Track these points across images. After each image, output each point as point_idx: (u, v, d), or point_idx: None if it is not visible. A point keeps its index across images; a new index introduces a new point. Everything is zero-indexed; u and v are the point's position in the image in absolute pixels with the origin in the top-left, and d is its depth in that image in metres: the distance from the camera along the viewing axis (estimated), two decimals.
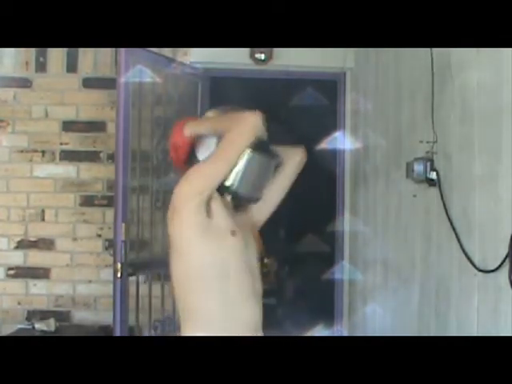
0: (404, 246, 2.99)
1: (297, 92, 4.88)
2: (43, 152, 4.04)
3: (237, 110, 2.16)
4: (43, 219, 4.03)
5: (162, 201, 3.73)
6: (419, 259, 2.77)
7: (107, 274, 3.78)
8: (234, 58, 3.97)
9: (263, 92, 4.72)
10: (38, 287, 4.02)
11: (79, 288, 4.03)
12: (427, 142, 2.58)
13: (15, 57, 4.04)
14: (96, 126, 4.05)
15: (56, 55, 4.05)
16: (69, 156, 4.05)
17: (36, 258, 4.02)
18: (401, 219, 3.06)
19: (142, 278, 3.53)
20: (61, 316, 3.97)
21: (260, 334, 2.04)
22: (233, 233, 2.00)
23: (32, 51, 4.04)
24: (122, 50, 3.29)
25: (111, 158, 3.91)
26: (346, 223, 4.15)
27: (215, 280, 1.95)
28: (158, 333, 3.57)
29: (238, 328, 1.95)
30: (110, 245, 3.83)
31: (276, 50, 4.07)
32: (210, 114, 2.25)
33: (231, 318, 1.95)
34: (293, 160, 2.26)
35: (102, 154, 4.06)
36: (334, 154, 4.20)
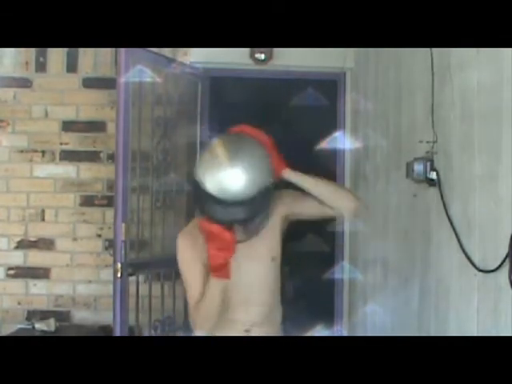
0: (404, 245, 2.99)
1: (297, 92, 4.88)
2: (43, 152, 4.04)
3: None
4: (43, 219, 4.04)
5: (162, 201, 3.73)
6: (419, 259, 2.77)
7: (107, 274, 3.78)
8: (233, 58, 3.97)
9: (263, 92, 4.72)
10: (38, 287, 4.02)
11: (79, 288, 4.03)
12: (427, 142, 2.58)
13: (15, 57, 4.04)
14: (96, 126, 4.06)
15: (56, 55, 4.05)
16: (69, 156, 4.05)
17: (36, 258, 4.02)
18: (401, 219, 3.06)
19: (141, 277, 3.53)
20: (61, 316, 3.97)
21: (250, 330, 2.25)
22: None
23: (32, 51, 4.04)
24: (122, 50, 3.29)
25: (111, 158, 3.91)
26: (346, 223, 4.15)
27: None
28: (158, 333, 3.57)
29: (224, 323, 2.21)
30: (110, 245, 3.83)
31: (276, 50, 4.08)
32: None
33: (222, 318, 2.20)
34: (343, 208, 2.28)
35: (102, 154, 4.06)
36: (334, 154, 4.19)
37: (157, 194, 3.70)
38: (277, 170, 2.18)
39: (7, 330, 3.85)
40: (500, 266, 1.96)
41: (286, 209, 2.32)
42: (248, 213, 2.03)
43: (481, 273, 2.12)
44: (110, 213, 3.82)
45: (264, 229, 2.21)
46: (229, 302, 2.22)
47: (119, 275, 3.25)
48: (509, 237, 1.88)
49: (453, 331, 2.37)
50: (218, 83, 4.21)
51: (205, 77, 4.09)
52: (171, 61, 3.79)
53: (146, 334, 3.56)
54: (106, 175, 3.99)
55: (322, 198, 2.25)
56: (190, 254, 2.19)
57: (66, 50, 4.05)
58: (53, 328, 3.78)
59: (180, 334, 3.65)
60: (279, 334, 2.37)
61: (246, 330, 2.25)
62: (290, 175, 2.23)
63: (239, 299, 2.25)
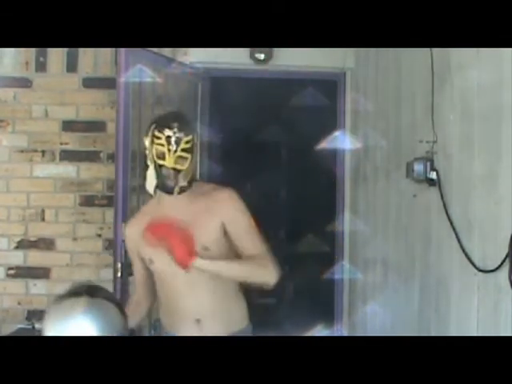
0: (404, 245, 2.99)
1: (297, 92, 4.88)
2: (43, 152, 4.04)
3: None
4: (43, 219, 4.03)
5: None
6: (419, 259, 2.77)
7: (107, 273, 3.78)
8: (233, 58, 3.97)
9: (263, 92, 4.73)
10: (37, 287, 4.02)
11: None
12: (427, 142, 2.59)
13: (15, 57, 4.04)
14: (96, 126, 4.05)
15: (56, 55, 4.05)
16: (69, 156, 4.05)
17: (36, 258, 4.02)
18: (401, 219, 3.06)
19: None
20: None
21: (200, 321, 2.34)
22: (150, 261, 2.37)
23: (32, 51, 4.04)
24: (122, 50, 3.29)
25: (111, 157, 3.91)
26: (346, 223, 4.15)
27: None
28: (158, 333, 3.57)
29: (175, 310, 2.39)
30: (110, 245, 3.83)
31: (276, 50, 4.07)
32: None
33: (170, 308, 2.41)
34: (262, 283, 2.32)
35: (102, 154, 4.06)
36: (334, 154, 4.20)
37: None
38: (183, 262, 2.20)
39: (7, 329, 3.85)
40: (500, 265, 1.96)
41: (225, 220, 2.32)
42: None
43: (481, 273, 2.12)
44: (110, 213, 3.82)
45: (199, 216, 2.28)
46: (176, 288, 2.32)
47: (119, 275, 3.25)
48: (509, 237, 1.88)
49: (453, 331, 2.37)
50: (218, 83, 4.22)
51: (205, 77, 4.09)
52: (171, 61, 3.79)
53: (145, 334, 3.56)
54: (106, 175, 3.99)
55: (240, 280, 2.33)
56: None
57: (66, 50, 4.05)
58: None
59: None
60: (235, 331, 2.37)
61: (197, 320, 2.32)
62: (201, 265, 2.23)
63: (186, 287, 2.31)
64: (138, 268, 2.48)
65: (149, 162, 2.30)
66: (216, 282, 2.33)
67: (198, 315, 2.34)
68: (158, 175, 2.26)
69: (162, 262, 2.29)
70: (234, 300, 2.41)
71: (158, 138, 2.24)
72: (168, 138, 2.23)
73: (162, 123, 2.27)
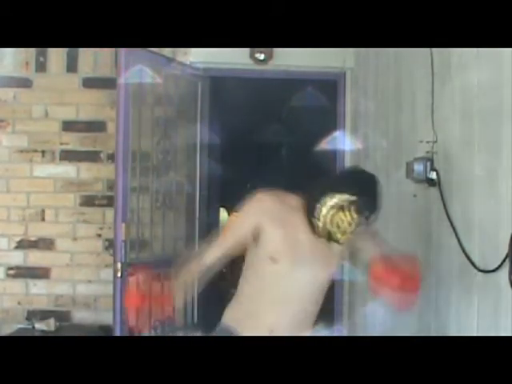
0: (404, 246, 2.99)
1: (297, 92, 4.88)
2: (43, 152, 4.04)
3: None
4: (43, 219, 4.03)
5: (162, 201, 3.73)
6: (419, 259, 2.77)
7: (107, 274, 3.78)
8: (233, 58, 3.97)
9: (263, 92, 4.73)
10: (38, 287, 4.02)
11: (79, 288, 4.03)
12: (427, 142, 2.58)
13: (15, 57, 4.04)
14: (96, 126, 4.06)
15: (56, 55, 4.05)
16: (69, 156, 4.05)
17: (36, 258, 4.02)
18: (401, 219, 3.06)
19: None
20: (61, 316, 3.97)
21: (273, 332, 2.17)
22: (273, 259, 2.15)
23: (32, 51, 4.04)
24: (122, 50, 3.29)
25: (111, 157, 3.91)
26: None
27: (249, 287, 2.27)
28: (158, 333, 3.57)
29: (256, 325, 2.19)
30: (110, 245, 3.83)
31: (276, 50, 4.07)
32: None
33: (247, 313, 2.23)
34: None
35: (102, 154, 4.06)
36: (334, 154, 4.20)
37: (157, 193, 3.70)
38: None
39: (7, 330, 3.85)
40: (500, 265, 1.96)
41: None
42: None
43: (481, 273, 2.12)
44: (110, 213, 3.82)
45: None
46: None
47: (119, 275, 3.25)
48: (509, 237, 1.88)
49: (453, 331, 2.37)
50: (218, 83, 4.22)
51: (205, 77, 4.09)
52: (171, 61, 3.79)
53: (146, 333, 3.56)
54: (106, 175, 3.99)
55: None
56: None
57: (66, 50, 4.05)
58: (53, 328, 3.78)
59: (180, 334, 3.65)
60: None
61: (270, 331, 2.16)
62: None
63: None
64: (229, 244, 2.22)
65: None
66: (321, 295, 2.26)
67: (275, 326, 2.16)
68: None
69: (293, 268, 2.16)
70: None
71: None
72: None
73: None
